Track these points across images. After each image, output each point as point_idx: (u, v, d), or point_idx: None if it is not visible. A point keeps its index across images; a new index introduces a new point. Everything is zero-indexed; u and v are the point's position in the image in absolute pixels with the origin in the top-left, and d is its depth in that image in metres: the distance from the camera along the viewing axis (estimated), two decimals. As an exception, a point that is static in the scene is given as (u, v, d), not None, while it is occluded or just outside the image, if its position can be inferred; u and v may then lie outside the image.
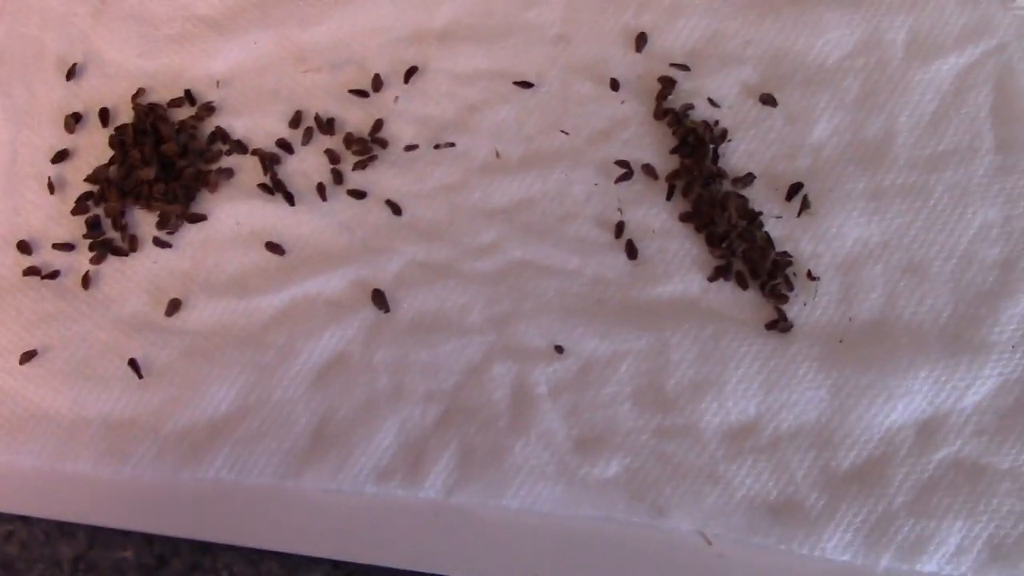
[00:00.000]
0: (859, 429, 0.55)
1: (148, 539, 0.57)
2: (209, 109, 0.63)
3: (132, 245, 0.60)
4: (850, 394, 0.56)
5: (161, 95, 0.64)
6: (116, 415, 0.57)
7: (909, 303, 0.57)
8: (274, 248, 0.60)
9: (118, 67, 0.64)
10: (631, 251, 0.59)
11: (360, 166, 0.61)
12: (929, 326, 0.57)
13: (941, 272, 0.58)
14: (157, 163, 0.61)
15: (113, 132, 0.62)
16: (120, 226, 0.60)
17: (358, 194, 0.61)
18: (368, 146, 0.61)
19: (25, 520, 0.57)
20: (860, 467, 0.55)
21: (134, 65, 0.64)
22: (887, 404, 0.55)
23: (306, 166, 0.62)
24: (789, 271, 0.58)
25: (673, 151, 0.60)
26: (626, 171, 0.60)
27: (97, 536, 0.57)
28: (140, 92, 0.63)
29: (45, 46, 0.65)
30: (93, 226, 0.60)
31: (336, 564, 0.56)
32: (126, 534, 0.57)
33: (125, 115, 0.63)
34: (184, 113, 0.63)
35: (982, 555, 0.53)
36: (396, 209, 0.60)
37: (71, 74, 0.64)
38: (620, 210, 0.59)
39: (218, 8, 0.65)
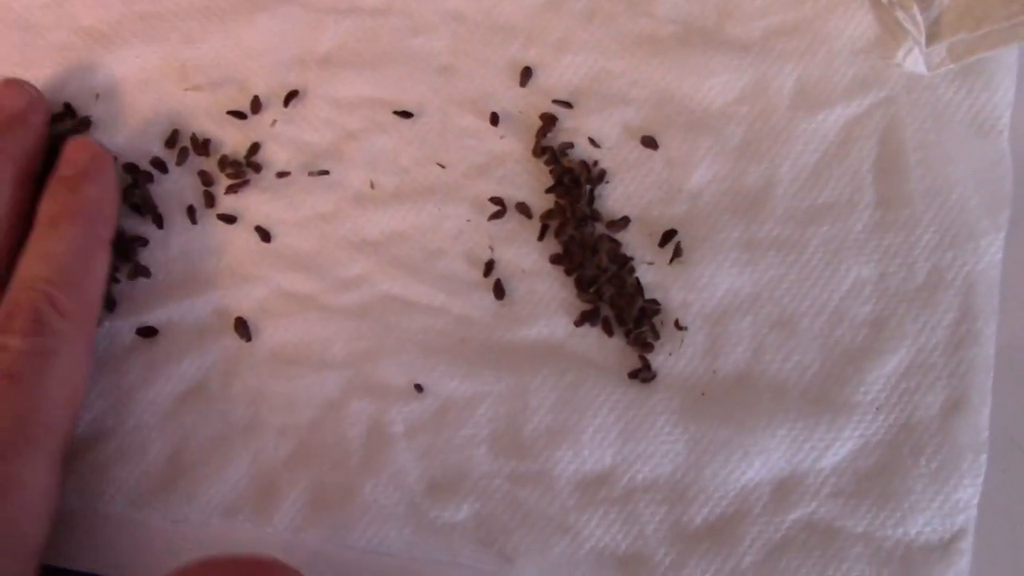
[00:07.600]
0: (713, 485, 0.55)
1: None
2: (86, 123, 0.61)
3: None
4: (707, 448, 0.55)
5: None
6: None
7: (775, 359, 0.56)
8: (141, 270, 0.59)
9: (-4, 75, 0.63)
10: (499, 291, 0.58)
11: (232, 190, 0.60)
12: (793, 383, 0.56)
13: (810, 328, 0.57)
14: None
15: (-11, 141, 0.61)
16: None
17: (229, 218, 0.59)
18: (243, 169, 0.60)
19: None
20: (712, 524, 0.54)
21: (12, 74, 0.63)
22: (744, 461, 0.55)
23: (179, 187, 0.60)
24: (656, 319, 0.57)
25: (549, 190, 0.59)
26: (500, 208, 0.59)
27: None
28: None
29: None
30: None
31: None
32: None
33: None
34: (63, 127, 0.62)
35: (830, 620, 0.53)
36: (265, 235, 0.59)
37: (-52, 81, 0.63)
38: (491, 248, 0.58)
39: (103, 19, 0.63)
